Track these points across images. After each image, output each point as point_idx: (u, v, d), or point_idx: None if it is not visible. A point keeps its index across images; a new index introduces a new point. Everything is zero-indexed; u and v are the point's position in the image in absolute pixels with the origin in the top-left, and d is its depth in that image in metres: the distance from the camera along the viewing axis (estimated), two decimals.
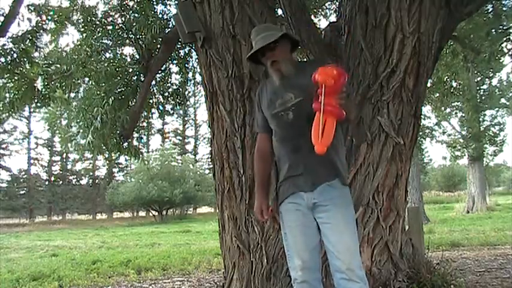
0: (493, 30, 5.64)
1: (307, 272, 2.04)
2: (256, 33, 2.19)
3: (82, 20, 4.78)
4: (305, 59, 2.18)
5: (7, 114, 5.25)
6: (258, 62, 2.25)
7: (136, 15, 4.71)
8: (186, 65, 5.46)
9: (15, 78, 4.80)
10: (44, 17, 4.87)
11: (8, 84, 4.94)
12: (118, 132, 4.81)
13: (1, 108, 5.09)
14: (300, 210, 2.07)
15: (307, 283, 2.04)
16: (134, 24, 4.59)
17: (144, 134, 7.16)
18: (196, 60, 5.10)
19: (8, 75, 4.77)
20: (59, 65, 4.87)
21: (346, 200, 2.08)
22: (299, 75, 2.10)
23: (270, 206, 2.20)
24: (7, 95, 5.00)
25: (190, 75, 5.92)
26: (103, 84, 4.68)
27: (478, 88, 16.50)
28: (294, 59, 2.26)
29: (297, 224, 2.08)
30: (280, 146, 2.16)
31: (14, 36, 4.68)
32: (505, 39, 5.96)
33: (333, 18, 6.54)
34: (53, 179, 32.72)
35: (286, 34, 2.17)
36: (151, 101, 5.32)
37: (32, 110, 25.60)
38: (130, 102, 4.91)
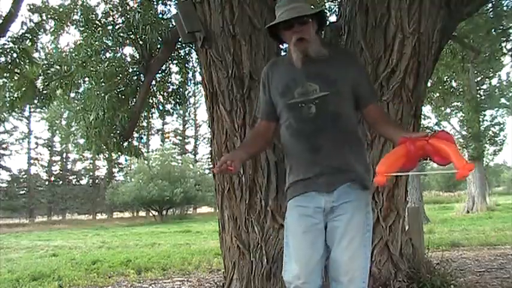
0: (493, 30, 5.64)
1: (310, 283, 1.80)
2: (284, 2, 1.85)
3: (82, 20, 4.78)
4: (336, 45, 1.96)
5: (8, 113, 5.25)
6: (276, 37, 1.94)
7: (136, 15, 4.70)
8: (186, 65, 5.46)
9: (15, 78, 4.80)
10: (44, 17, 4.87)
11: (8, 84, 4.94)
12: (118, 132, 4.81)
13: (1, 108, 5.09)
14: (310, 216, 1.82)
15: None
16: (134, 24, 4.59)
17: (144, 134, 7.16)
18: (196, 60, 5.10)
19: (8, 74, 4.77)
20: (59, 66, 4.87)
21: (363, 205, 1.86)
22: (328, 63, 1.83)
23: (236, 164, 1.77)
24: (7, 94, 5.00)
25: (190, 75, 5.92)
26: (103, 84, 4.67)
27: (478, 88, 16.51)
28: (321, 43, 1.91)
29: (303, 231, 1.82)
30: (293, 142, 1.87)
31: (14, 36, 4.68)
32: (505, 39, 5.96)
33: (333, 18, 6.53)
34: (53, 179, 32.70)
35: (322, 12, 1.90)
36: (151, 101, 5.32)
37: (32, 110, 25.58)
38: (130, 102, 4.91)
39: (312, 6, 1.97)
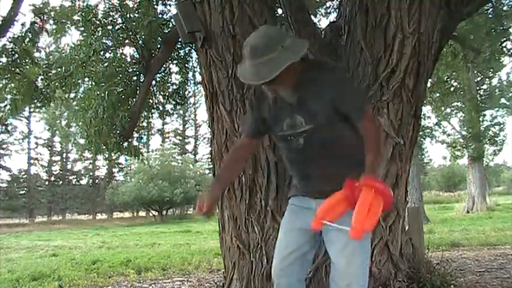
0: (493, 30, 5.64)
1: (283, 276, 1.91)
2: (250, 53, 1.65)
3: (82, 20, 4.78)
4: (316, 63, 1.79)
5: (8, 114, 5.25)
6: None
7: (136, 15, 4.70)
8: (186, 65, 5.46)
9: (16, 78, 4.80)
10: (44, 17, 4.87)
11: (9, 85, 4.94)
12: (118, 132, 4.81)
13: (2, 109, 5.09)
14: (303, 211, 1.91)
15: (277, 276, 1.92)
16: (134, 24, 4.59)
17: (144, 134, 7.16)
18: (196, 60, 5.10)
19: (9, 75, 4.77)
20: (59, 66, 4.87)
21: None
22: (309, 90, 1.76)
23: (213, 205, 1.91)
24: (8, 96, 5.00)
25: (190, 75, 5.92)
26: (103, 84, 4.67)
27: (478, 88, 16.51)
28: (301, 70, 1.75)
29: (290, 228, 1.94)
30: (288, 166, 2.00)
31: (14, 36, 4.68)
32: (505, 39, 5.97)
33: (332, 18, 6.54)
34: (53, 179, 32.71)
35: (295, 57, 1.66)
36: (151, 101, 5.32)
37: (32, 110, 25.59)
38: (130, 102, 4.91)
39: (286, 46, 1.64)
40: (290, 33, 1.83)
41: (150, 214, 26.78)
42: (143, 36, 4.57)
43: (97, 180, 33.36)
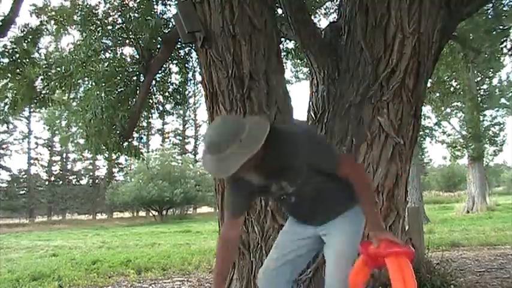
0: (493, 30, 5.64)
1: (274, 276, 2.02)
2: (209, 149, 1.65)
3: (82, 20, 4.78)
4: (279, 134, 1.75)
5: (12, 117, 5.26)
6: None
7: (136, 15, 4.70)
8: (186, 65, 5.46)
9: (17, 78, 4.79)
10: (44, 18, 4.87)
11: (9, 85, 4.94)
12: (118, 132, 4.81)
13: (3, 109, 5.09)
14: (303, 225, 2.04)
15: (265, 275, 2.05)
16: (134, 24, 4.59)
17: (144, 134, 7.16)
18: (196, 60, 5.10)
19: (10, 75, 4.77)
20: (58, 66, 4.87)
21: (351, 218, 1.96)
22: (283, 165, 1.78)
23: None
24: (8, 95, 5.00)
25: (190, 75, 5.92)
26: (103, 84, 4.67)
27: (478, 88, 16.51)
28: (266, 147, 1.66)
29: (290, 225, 2.09)
30: (285, 211, 2.19)
31: (14, 36, 4.68)
32: (504, 39, 5.96)
33: (332, 18, 6.54)
34: (53, 179, 32.68)
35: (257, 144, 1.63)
36: (151, 101, 5.32)
37: (32, 110, 25.58)
38: (130, 102, 4.91)
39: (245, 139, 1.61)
40: (248, 120, 1.77)
41: (150, 214, 26.77)
42: (143, 36, 4.57)
43: (97, 180, 33.34)
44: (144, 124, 6.29)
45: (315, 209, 1.96)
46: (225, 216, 1.99)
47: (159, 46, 4.69)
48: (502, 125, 17.55)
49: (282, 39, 5.15)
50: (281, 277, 2.02)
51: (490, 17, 5.62)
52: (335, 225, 1.96)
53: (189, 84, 6.11)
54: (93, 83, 4.82)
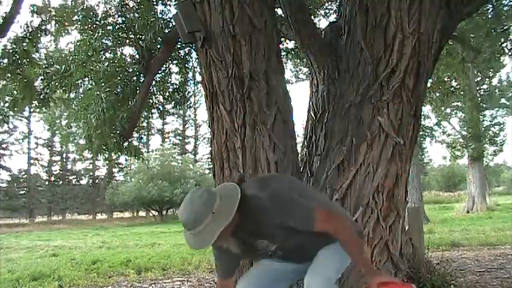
0: (493, 30, 5.64)
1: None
2: (184, 225, 1.73)
3: (82, 20, 4.78)
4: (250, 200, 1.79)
5: (13, 116, 5.26)
6: None
7: (136, 15, 4.70)
8: (186, 65, 5.46)
9: (17, 78, 4.79)
10: (44, 18, 4.87)
11: (9, 85, 4.94)
12: (118, 132, 4.81)
13: (3, 109, 5.09)
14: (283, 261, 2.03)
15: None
16: (134, 24, 4.59)
17: (144, 134, 7.16)
18: (196, 60, 5.10)
19: (10, 76, 4.76)
20: (58, 66, 4.87)
21: (329, 250, 1.94)
22: (259, 229, 1.82)
23: None
24: (8, 95, 5.00)
25: (190, 75, 5.92)
26: (103, 84, 4.67)
27: (478, 88, 16.51)
28: (240, 214, 1.74)
29: (267, 269, 2.06)
30: None
31: (15, 37, 4.68)
32: (505, 39, 5.96)
33: (332, 18, 6.53)
34: (53, 179, 32.69)
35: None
36: (151, 101, 5.32)
37: (32, 110, 25.57)
38: (130, 102, 4.91)
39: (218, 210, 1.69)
40: (219, 189, 1.83)
41: (150, 214, 26.77)
42: (143, 36, 4.57)
43: (97, 180, 33.35)
44: (144, 124, 6.29)
45: (305, 254, 1.96)
46: (217, 277, 2.08)
47: (159, 46, 4.69)
48: (502, 125, 17.58)
49: (282, 39, 5.16)
50: None
51: (490, 17, 5.63)
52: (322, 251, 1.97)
53: (189, 84, 6.11)
54: (93, 83, 4.82)
